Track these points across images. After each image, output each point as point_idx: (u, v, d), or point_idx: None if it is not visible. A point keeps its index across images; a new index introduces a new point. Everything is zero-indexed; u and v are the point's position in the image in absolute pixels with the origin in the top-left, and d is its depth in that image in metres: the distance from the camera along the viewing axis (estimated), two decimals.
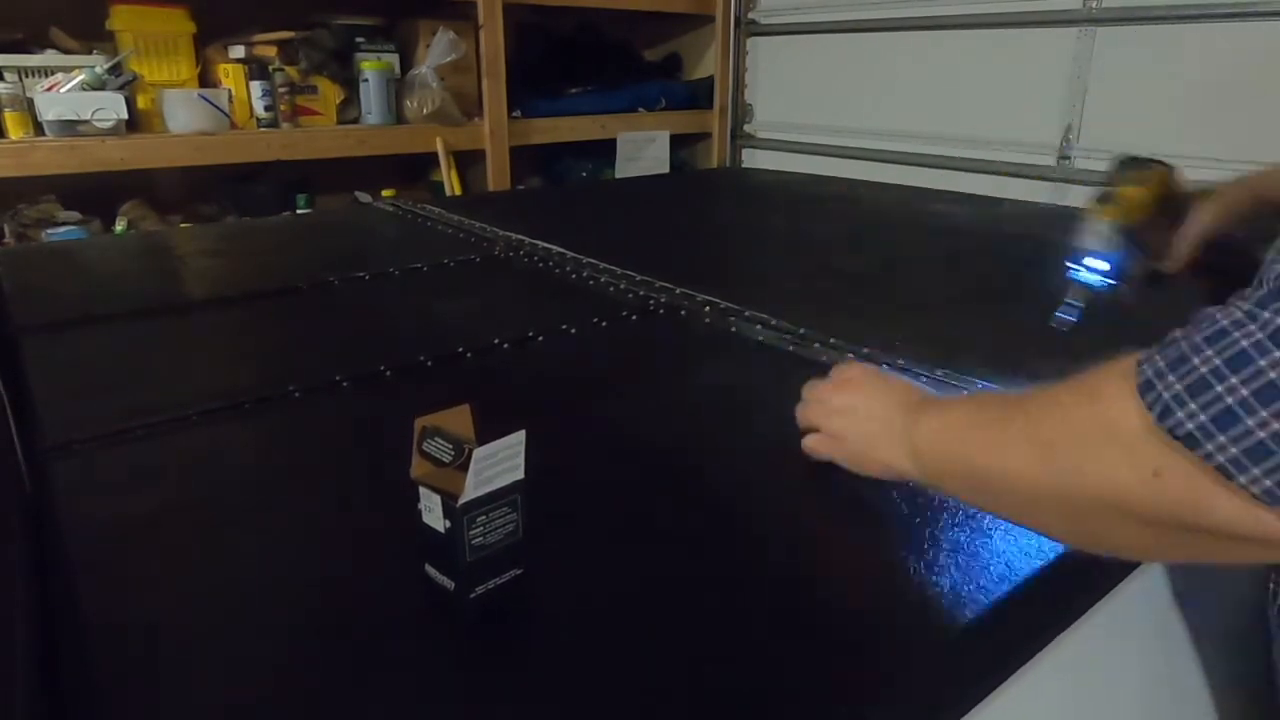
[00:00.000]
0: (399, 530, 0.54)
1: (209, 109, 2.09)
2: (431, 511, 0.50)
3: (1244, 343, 0.34)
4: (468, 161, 2.55)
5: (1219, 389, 0.35)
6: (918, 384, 0.63)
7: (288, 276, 1.29)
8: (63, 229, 2.04)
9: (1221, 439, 0.35)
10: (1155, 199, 0.73)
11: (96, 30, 2.06)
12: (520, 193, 2.62)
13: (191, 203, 2.35)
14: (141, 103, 2.04)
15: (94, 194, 2.12)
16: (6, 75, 1.89)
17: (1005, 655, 0.55)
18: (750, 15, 2.84)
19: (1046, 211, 1.96)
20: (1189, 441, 0.36)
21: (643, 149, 2.86)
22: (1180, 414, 0.36)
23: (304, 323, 1.14)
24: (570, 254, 1.40)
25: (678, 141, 2.97)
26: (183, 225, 2.22)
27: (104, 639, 0.51)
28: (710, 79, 3.00)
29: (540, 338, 1.03)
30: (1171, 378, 0.36)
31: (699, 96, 3.01)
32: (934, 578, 0.57)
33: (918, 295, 1.28)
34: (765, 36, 2.85)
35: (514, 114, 2.53)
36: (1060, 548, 0.59)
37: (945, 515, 0.64)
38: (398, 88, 2.38)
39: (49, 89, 1.89)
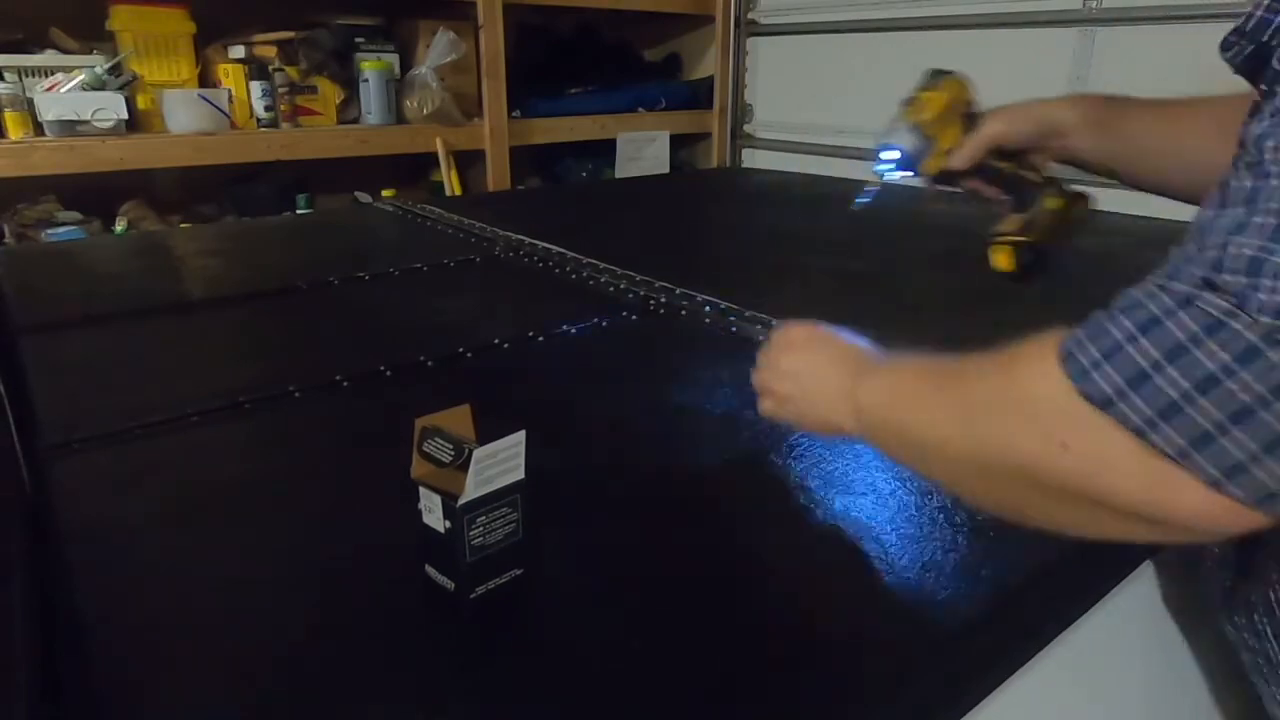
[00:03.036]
0: (399, 530, 0.54)
1: (209, 109, 2.09)
2: (432, 512, 0.50)
3: (1155, 309, 0.36)
4: (468, 161, 2.55)
5: (1132, 353, 0.36)
6: (859, 341, 0.64)
7: (288, 276, 1.29)
8: (63, 229, 2.04)
9: (1136, 400, 0.36)
10: (948, 103, 0.85)
11: (96, 30, 2.06)
12: (520, 193, 2.62)
13: (191, 203, 2.35)
14: (141, 103, 2.04)
15: (94, 194, 2.12)
16: (6, 75, 1.89)
17: (1005, 655, 0.55)
18: (750, 15, 2.84)
19: None
20: (1104, 403, 0.37)
21: (643, 149, 2.86)
22: (1096, 375, 0.37)
23: (304, 323, 1.14)
24: (570, 254, 1.40)
25: (678, 141, 2.97)
26: (182, 225, 2.22)
27: (104, 639, 0.51)
28: (710, 79, 3.00)
29: (540, 338, 1.03)
30: (1091, 347, 0.38)
31: (699, 96, 3.01)
32: (934, 577, 0.57)
33: (918, 295, 1.28)
34: (765, 36, 2.85)
35: (514, 114, 2.53)
36: (1059, 547, 0.59)
37: (946, 516, 0.64)
38: (398, 88, 2.38)
39: (49, 89, 1.89)
